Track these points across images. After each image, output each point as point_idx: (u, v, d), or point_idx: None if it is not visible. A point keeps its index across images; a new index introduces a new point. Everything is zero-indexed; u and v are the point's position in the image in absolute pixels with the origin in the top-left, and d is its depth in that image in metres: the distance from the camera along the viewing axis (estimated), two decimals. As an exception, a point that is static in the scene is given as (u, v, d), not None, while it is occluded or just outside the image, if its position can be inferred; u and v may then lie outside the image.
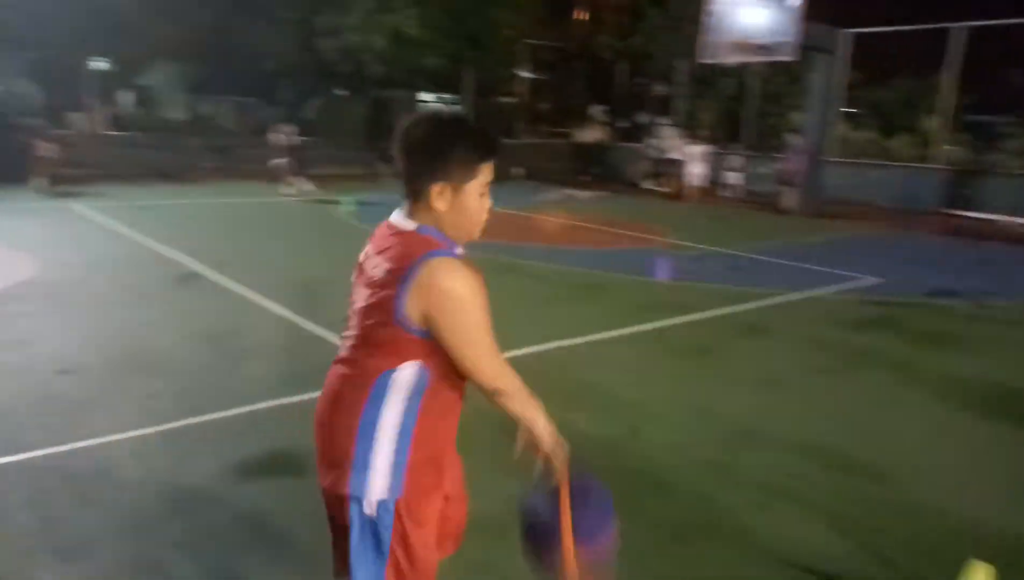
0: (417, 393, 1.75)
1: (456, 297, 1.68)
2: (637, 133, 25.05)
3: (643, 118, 24.79)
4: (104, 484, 3.43)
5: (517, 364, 5.68)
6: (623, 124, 28.31)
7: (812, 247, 11.36)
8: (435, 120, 1.80)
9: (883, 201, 17.93)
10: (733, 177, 17.89)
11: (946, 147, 18.24)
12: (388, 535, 1.75)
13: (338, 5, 20.79)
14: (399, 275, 1.67)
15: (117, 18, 18.42)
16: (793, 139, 16.28)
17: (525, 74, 26.96)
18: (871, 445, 4.16)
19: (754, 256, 10.21)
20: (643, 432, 4.22)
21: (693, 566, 2.98)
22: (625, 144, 25.64)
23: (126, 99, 23.13)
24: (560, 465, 1.90)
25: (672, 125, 21.15)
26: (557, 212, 14.74)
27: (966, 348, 6.23)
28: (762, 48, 14.51)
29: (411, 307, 1.66)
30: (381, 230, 1.86)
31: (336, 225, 11.89)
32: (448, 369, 1.76)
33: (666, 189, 18.79)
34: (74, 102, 20.65)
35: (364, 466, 1.73)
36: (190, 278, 7.63)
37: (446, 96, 35.00)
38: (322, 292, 7.33)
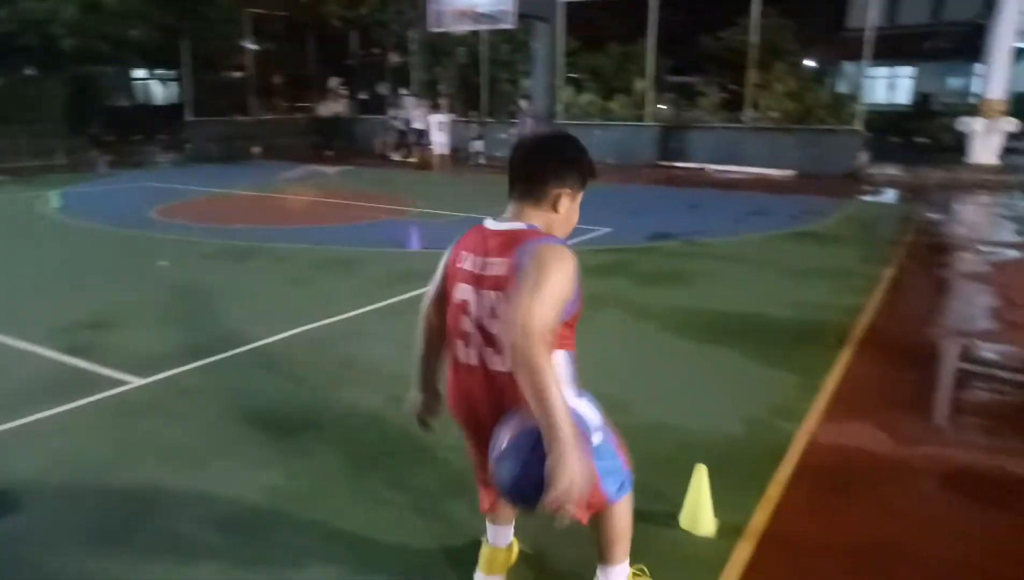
0: (572, 379, 2.24)
1: (554, 258, 1.92)
2: (377, 104, 24.77)
3: (382, 89, 24.53)
4: None
5: (271, 350, 5.40)
6: (362, 96, 27.82)
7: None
8: (564, 137, 2.18)
9: (608, 158, 19.64)
10: (477, 144, 18.43)
11: (658, 107, 20.38)
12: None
13: (12, -33, 17.82)
14: (518, 264, 1.91)
15: None
16: (524, 104, 17.15)
17: (250, 46, 25.28)
18: (612, 379, 4.55)
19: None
20: (402, 401, 4.23)
21: (459, 522, 3.07)
22: (366, 116, 25.26)
23: None
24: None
25: (413, 95, 21.23)
26: (302, 189, 14.18)
27: (684, 282, 7.07)
28: (484, 16, 15.06)
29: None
30: (478, 235, 2.12)
31: (41, 223, 10.34)
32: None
33: (412, 159, 18.89)
34: None
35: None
36: None
37: (163, 72, 31.82)
38: (23, 301, 6.36)
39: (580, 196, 2.19)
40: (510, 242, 2.00)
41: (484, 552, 2.62)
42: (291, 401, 4.23)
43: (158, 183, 14.86)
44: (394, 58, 23.70)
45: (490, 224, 2.11)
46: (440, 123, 18.01)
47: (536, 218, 2.07)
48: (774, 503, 3.18)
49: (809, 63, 25.11)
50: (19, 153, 18.93)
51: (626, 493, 2.31)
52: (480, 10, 14.99)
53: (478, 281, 2.06)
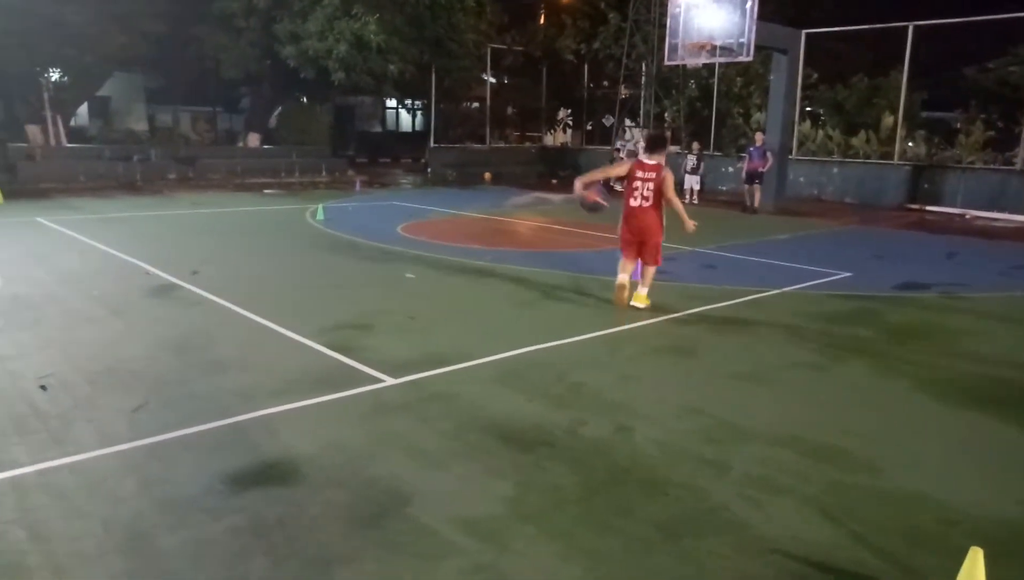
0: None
1: (671, 173, 6.99)
2: (604, 136, 25.23)
3: (608, 120, 24.98)
4: (95, 499, 3.35)
5: (504, 366, 5.69)
6: (589, 127, 28.48)
7: (781, 244, 11.56)
8: (663, 130, 5.81)
9: (847, 197, 18.32)
10: (692, 179, 17.91)
11: (909, 145, 18.71)
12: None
13: (298, 12, 20.58)
14: (659, 173, 6.90)
15: (70, 29, 17.96)
16: (761, 138, 16.53)
17: (490, 79, 26.98)
18: (858, 437, 4.24)
19: (726, 254, 10.35)
20: (632, 431, 4.25)
21: (689, 562, 2.99)
22: (592, 147, 25.80)
23: (82, 111, 22.66)
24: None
25: (640, 127, 21.36)
26: (529, 215, 14.78)
27: (940, 339, 6.40)
28: (722, 49, 14.80)
29: (661, 184, 6.93)
30: (642, 164, 6.99)
31: (308, 233, 11.77)
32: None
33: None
34: (32, 115, 20.14)
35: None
36: (164, 289, 7.49)
37: (413, 102, 34.89)
38: (299, 300, 7.25)
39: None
40: (655, 168, 6.93)
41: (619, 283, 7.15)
42: (523, 417, 4.41)
43: (403, 202, 16.29)
44: (624, 91, 24.06)
45: (644, 158, 7.02)
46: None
47: (659, 159, 7.00)
48: (1065, 604, 2.76)
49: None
50: (291, 170, 21.74)
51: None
52: (717, 43, 14.77)
53: (644, 177, 6.95)
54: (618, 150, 21.74)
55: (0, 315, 6.39)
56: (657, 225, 7.04)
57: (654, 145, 7.06)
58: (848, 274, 9.02)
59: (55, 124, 20.38)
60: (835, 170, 18.75)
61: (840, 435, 4.25)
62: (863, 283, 8.59)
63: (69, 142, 21.04)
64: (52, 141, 20.21)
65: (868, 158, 18.54)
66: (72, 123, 22.97)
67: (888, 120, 18.35)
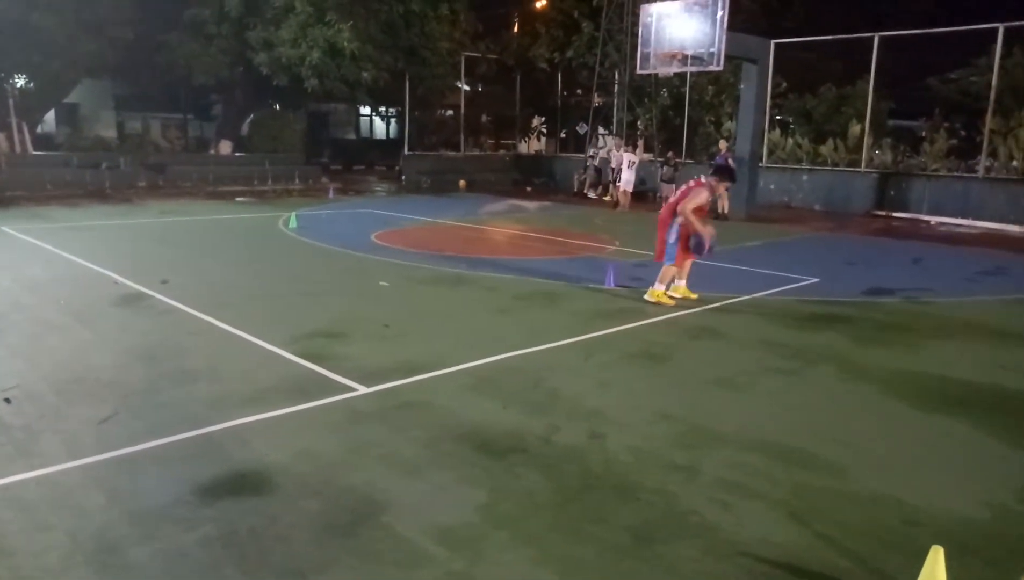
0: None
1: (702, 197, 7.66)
2: (577, 143, 25.40)
3: (582, 128, 25.16)
4: (62, 512, 3.30)
5: (479, 373, 5.69)
6: (563, 135, 28.65)
7: (751, 251, 11.72)
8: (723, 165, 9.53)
9: (816, 204, 18.63)
10: (668, 188, 18.08)
11: (875, 152, 19.07)
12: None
13: (271, 20, 20.49)
14: (696, 188, 7.64)
15: (37, 35, 17.69)
16: (725, 146, 16.74)
17: (464, 87, 27.03)
18: (826, 440, 4.31)
19: (697, 261, 10.45)
20: (605, 437, 4.28)
21: (661, 565, 3.02)
22: (566, 154, 25.95)
23: (49, 117, 22.30)
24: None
25: (612, 135, 21.54)
26: (503, 223, 14.82)
27: (906, 343, 6.52)
28: (693, 59, 15.01)
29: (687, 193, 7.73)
30: (693, 181, 7.79)
31: (282, 241, 11.69)
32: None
33: (607, 198, 19.09)
34: (-3, 121, 19.75)
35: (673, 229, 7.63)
36: (133, 298, 7.39)
37: (387, 109, 34.79)
38: (271, 308, 7.19)
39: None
40: (700, 184, 7.67)
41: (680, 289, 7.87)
42: (497, 424, 4.42)
43: (377, 210, 16.24)
44: (596, 99, 24.25)
45: (700, 177, 7.88)
46: (630, 162, 18.00)
47: (712, 181, 7.78)
48: (1025, 601, 2.83)
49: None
50: (264, 178, 21.55)
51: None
52: (688, 52, 14.98)
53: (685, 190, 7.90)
54: (592, 157, 21.89)
55: (-37, 326, 6.26)
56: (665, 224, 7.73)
57: (716, 172, 8.19)
58: (816, 280, 9.17)
59: (20, 131, 20.00)
60: (804, 177, 19.05)
61: (808, 439, 4.33)
62: (832, 289, 8.73)
63: (35, 150, 20.67)
64: (18, 148, 19.83)
65: (836, 166, 18.87)
66: (39, 130, 22.57)
67: (856, 128, 18.69)
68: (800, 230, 14.70)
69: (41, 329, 6.26)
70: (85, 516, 3.28)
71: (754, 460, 4.01)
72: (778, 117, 21.46)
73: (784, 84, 21.01)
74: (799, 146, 19.78)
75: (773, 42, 16.48)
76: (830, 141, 19.25)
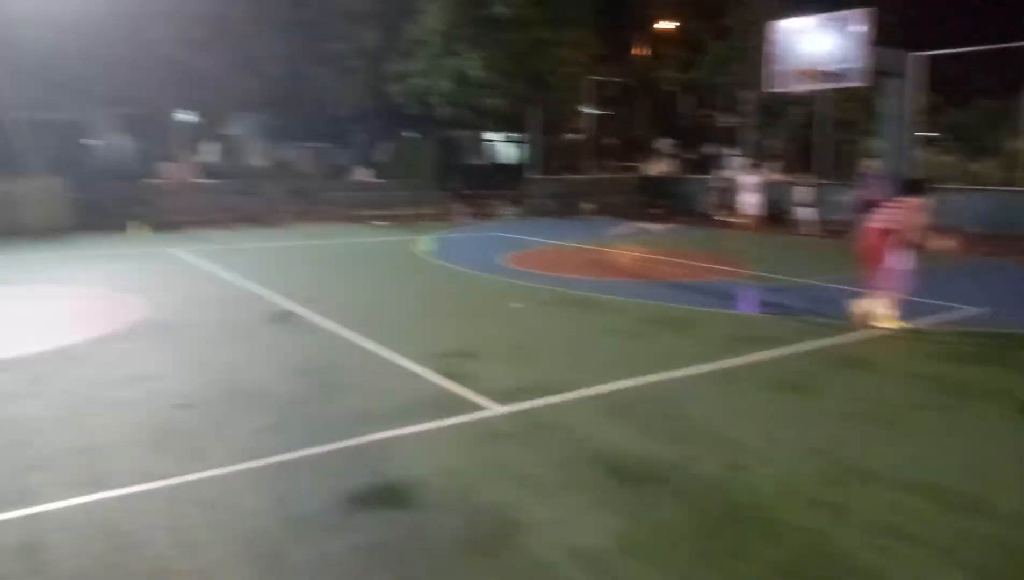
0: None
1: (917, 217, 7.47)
2: (705, 165, 24.88)
3: (710, 149, 24.63)
4: (233, 511, 3.60)
5: (611, 397, 5.67)
6: (690, 156, 28.17)
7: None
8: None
9: (970, 226, 17.24)
10: (806, 212, 17.34)
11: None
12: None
13: (404, 52, 21.58)
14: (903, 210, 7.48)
15: (201, 73, 19.52)
16: (869, 166, 15.84)
17: (589, 110, 27.18)
18: (993, 484, 3.98)
19: (840, 286, 9.93)
20: (746, 469, 4.15)
21: (817, 605, 2.90)
22: (693, 176, 25.47)
23: (212, 149, 24.45)
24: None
25: (741, 156, 20.95)
26: (631, 246, 14.72)
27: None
28: (830, 75, 14.35)
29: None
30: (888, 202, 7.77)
31: (416, 263, 12.18)
32: None
33: (735, 220, 18.51)
34: (165, 153, 21.91)
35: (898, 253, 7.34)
36: (285, 316, 7.93)
37: (512, 134, 35.58)
38: (408, 327, 7.50)
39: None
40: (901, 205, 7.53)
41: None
42: (633, 450, 4.39)
43: (505, 233, 16.59)
44: (725, 119, 23.68)
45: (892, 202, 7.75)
46: (754, 184, 17.35)
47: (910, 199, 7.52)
48: None
49: None
50: (398, 203, 22.54)
51: None
52: (825, 68, 14.34)
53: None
54: (719, 178, 21.34)
55: (145, 338, 6.96)
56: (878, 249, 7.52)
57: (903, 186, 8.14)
58: (975, 309, 8.49)
59: (186, 161, 22.06)
60: (957, 198, 17.71)
61: (973, 482, 4.01)
62: (991, 318, 8.06)
63: (198, 178, 22.69)
64: (182, 178, 21.86)
65: (987, 184, 17.43)
66: (200, 161, 24.80)
67: (1015, 144, 17.21)
68: (954, 254, 13.63)
69: (206, 343, 6.85)
70: (251, 517, 3.56)
71: (913, 502, 3.76)
72: (926, 134, 20.12)
73: (931, 98, 19.68)
74: (951, 164, 18.44)
75: (923, 55, 15.52)
76: (986, 158, 17.83)
